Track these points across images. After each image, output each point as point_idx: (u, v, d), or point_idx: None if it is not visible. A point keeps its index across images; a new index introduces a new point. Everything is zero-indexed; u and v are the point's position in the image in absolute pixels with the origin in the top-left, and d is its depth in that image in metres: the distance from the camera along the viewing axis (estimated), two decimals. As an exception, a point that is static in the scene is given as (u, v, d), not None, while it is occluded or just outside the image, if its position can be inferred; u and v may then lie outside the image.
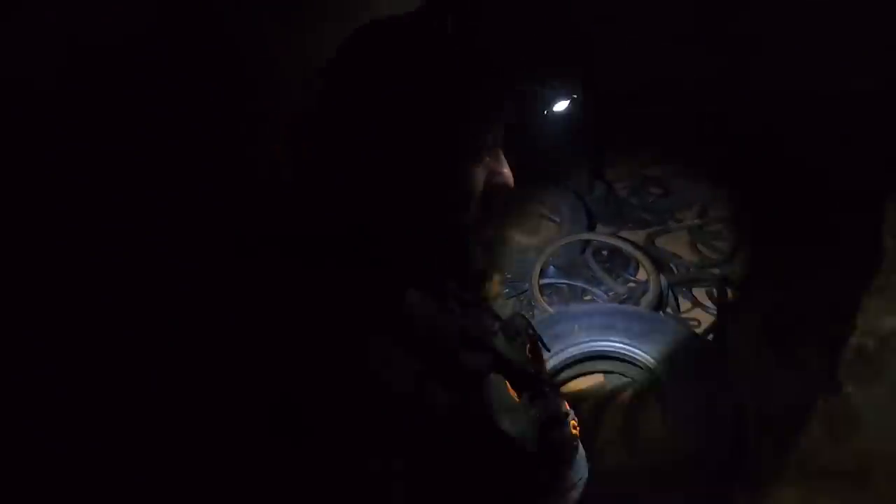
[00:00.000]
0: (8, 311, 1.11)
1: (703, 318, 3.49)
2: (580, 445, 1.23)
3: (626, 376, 3.11)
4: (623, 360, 3.09)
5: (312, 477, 0.84)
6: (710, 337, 3.24)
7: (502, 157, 1.05)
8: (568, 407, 1.23)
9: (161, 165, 1.34)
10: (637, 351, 3.03)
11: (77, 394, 1.18)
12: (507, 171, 1.05)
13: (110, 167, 1.30)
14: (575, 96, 4.08)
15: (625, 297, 3.63)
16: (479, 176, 1.01)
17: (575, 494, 1.18)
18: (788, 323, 3.25)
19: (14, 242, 1.12)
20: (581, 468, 1.21)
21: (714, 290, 3.62)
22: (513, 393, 1.05)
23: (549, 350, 1.32)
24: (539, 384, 1.16)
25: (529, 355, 1.20)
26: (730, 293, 3.54)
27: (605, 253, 4.02)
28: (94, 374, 1.19)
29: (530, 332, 1.23)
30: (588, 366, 3.10)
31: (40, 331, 1.14)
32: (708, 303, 3.59)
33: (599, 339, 3.09)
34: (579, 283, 3.78)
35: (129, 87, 1.28)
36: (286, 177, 1.01)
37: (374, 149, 0.96)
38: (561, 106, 4.04)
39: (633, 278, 3.83)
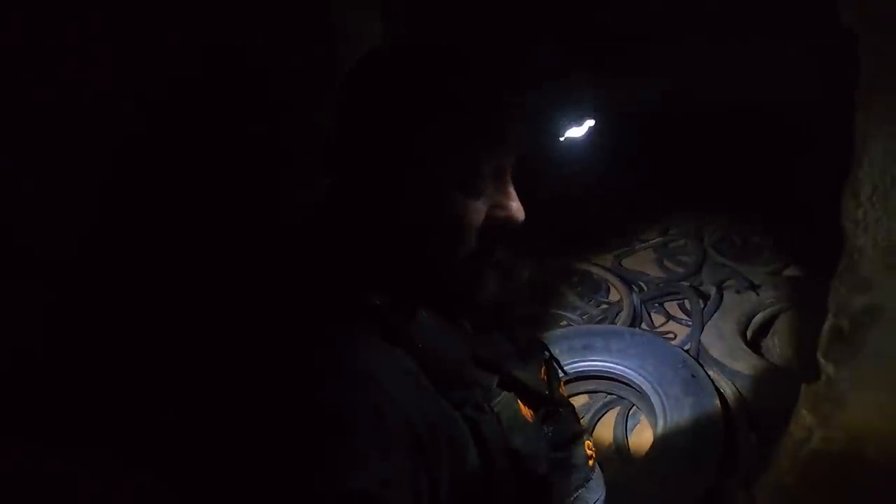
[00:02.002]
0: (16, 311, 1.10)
1: (678, 330, 3.52)
2: (597, 466, 1.24)
3: (610, 393, 3.12)
4: (606, 379, 3.10)
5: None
6: (688, 346, 3.27)
7: (510, 189, 1.01)
8: (583, 428, 1.23)
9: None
10: (618, 368, 3.06)
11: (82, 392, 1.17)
12: (514, 203, 0.99)
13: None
14: (591, 121, 4.24)
15: (599, 318, 3.66)
16: (475, 208, 0.96)
17: None
18: (763, 322, 3.31)
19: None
20: (598, 489, 1.21)
21: (686, 301, 3.66)
22: (525, 412, 1.05)
23: (564, 372, 1.32)
24: (554, 405, 1.16)
25: (544, 377, 1.19)
26: (701, 302, 3.58)
27: (574, 278, 4.06)
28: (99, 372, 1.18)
29: (545, 353, 1.22)
30: (572, 387, 3.10)
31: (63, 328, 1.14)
32: (681, 315, 3.63)
33: (580, 361, 3.11)
34: (553, 310, 3.80)
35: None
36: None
37: (363, 175, 0.98)
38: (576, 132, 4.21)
39: (605, 300, 3.86)
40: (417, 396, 0.89)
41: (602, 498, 1.22)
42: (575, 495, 1.16)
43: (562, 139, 4.25)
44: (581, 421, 2.89)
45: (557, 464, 1.12)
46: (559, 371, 1.26)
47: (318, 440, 0.80)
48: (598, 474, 1.23)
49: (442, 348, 0.96)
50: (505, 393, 1.02)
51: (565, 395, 1.26)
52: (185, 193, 1.36)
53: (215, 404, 0.87)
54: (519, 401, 1.04)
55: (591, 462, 1.21)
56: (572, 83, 4.04)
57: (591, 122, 4.26)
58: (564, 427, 1.16)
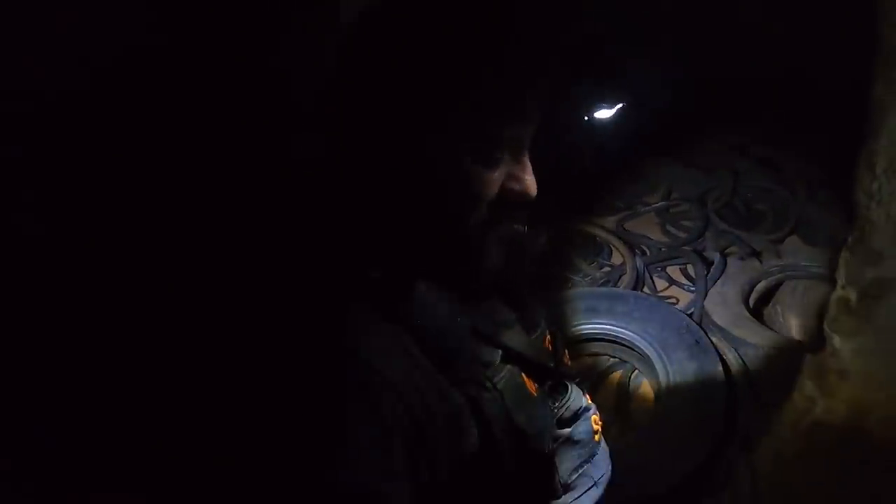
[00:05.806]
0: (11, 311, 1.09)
1: (681, 295, 3.53)
2: (603, 441, 1.20)
3: (614, 357, 3.14)
4: (609, 342, 3.12)
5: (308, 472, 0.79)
6: (692, 311, 3.28)
7: (526, 161, 0.95)
8: (590, 401, 1.19)
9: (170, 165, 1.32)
10: (622, 331, 3.07)
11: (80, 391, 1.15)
12: (529, 177, 0.94)
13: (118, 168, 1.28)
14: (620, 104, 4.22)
15: (602, 280, 3.67)
16: (491, 179, 0.91)
17: (597, 492, 1.14)
18: (765, 290, 3.32)
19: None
20: (603, 464, 1.18)
21: (689, 267, 3.67)
22: (530, 386, 1.02)
23: (567, 338, 1.27)
24: (559, 377, 1.13)
25: (549, 347, 1.15)
26: (705, 268, 3.58)
27: (578, 240, 4.05)
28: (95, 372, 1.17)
29: (550, 323, 1.18)
30: (575, 350, 3.12)
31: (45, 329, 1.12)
32: (684, 280, 3.64)
33: (584, 323, 3.12)
34: (557, 272, 3.79)
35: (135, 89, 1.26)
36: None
37: (371, 138, 0.90)
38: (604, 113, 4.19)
39: (608, 262, 3.86)
40: (415, 376, 0.86)
41: (608, 473, 1.18)
42: (580, 471, 1.13)
43: (588, 118, 4.25)
44: (584, 386, 2.95)
45: (563, 440, 1.10)
46: (564, 340, 1.23)
47: (311, 435, 0.78)
48: (603, 449, 1.19)
49: (441, 324, 0.93)
50: (508, 367, 0.98)
51: (571, 366, 1.24)
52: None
53: (202, 397, 0.84)
54: (523, 374, 1.01)
55: (597, 437, 1.18)
56: (606, 61, 3.97)
57: (620, 105, 4.22)
58: (571, 401, 1.13)
